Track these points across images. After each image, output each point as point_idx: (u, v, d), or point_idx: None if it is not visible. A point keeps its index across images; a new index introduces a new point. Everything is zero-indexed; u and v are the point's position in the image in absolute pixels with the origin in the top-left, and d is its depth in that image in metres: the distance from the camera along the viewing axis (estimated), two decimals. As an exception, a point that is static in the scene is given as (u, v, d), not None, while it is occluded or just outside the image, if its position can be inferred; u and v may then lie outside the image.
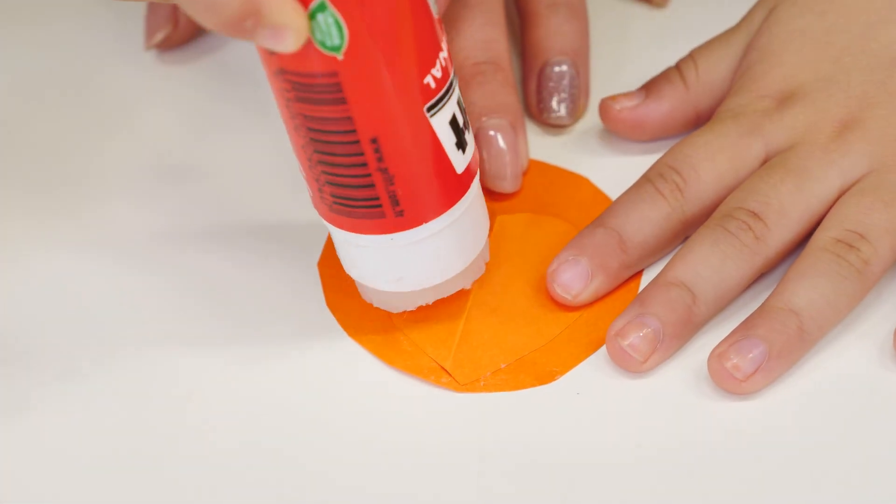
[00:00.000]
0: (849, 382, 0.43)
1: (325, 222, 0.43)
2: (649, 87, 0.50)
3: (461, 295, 0.45)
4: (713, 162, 0.46)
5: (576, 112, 0.51)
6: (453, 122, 0.42)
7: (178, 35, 0.55)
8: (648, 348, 0.43)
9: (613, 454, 0.42)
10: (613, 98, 0.50)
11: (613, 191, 0.49)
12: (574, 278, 0.45)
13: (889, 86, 0.47)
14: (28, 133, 0.54)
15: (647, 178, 0.47)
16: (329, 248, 0.48)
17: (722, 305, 0.45)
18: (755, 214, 0.45)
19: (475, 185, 0.43)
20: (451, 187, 0.42)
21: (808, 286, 0.43)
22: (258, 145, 0.52)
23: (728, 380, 0.42)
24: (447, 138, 0.41)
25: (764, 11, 0.49)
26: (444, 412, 0.44)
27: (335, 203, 0.42)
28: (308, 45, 0.38)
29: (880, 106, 0.46)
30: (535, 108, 0.51)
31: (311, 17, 0.38)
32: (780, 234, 0.45)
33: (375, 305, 0.45)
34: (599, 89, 0.52)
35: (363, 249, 0.43)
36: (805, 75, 0.47)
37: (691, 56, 0.50)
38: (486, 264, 0.46)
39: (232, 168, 0.52)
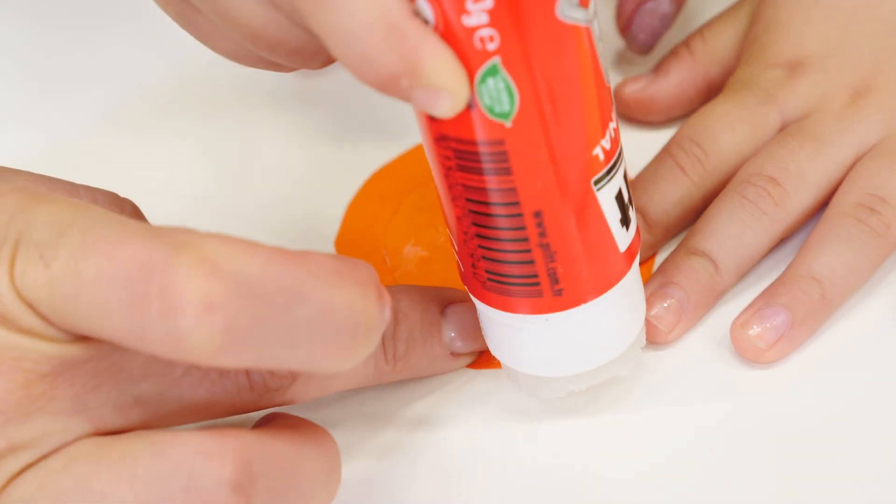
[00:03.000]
0: (868, 348, 0.43)
1: (477, 302, 0.41)
2: (658, 66, 0.51)
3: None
4: (733, 132, 0.46)
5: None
6: (619, 197, 0.39)
7: None
8: (674, 319, 0.44)
9: (632, 427, 0.42)
10: (624, 83, 0.50)
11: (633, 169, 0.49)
12: None
13: None
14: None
15: (667, 152, 0.47)
16: (345, 228, 0.48)
17: (743, 272, 0.45)
18: (774, 180, 0.45)
19: (635, 264, 0.41)
20: (613, 266, 0.40)
21: (829, 252, 0.43)
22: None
23: (751, 349, 0.43)
24: (612, 214, 0.39)
25: None
26: (461, 390, 0.44)
27: (489, 280, 0.39)
28: (475, 110, 0.36)
29: (891, 71, 0.46)
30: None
31: (482, 81, 0.36)
32: (800, 199, 0.45)
33: (521, 390, 0.43)
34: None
35: (515, 331, 0.40)
36: (814, 44, 0.47)
37: (698, 30, 0.51)
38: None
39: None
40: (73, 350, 0.36)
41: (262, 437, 0.36)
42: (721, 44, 0.50)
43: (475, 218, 0.38)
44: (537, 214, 0.38)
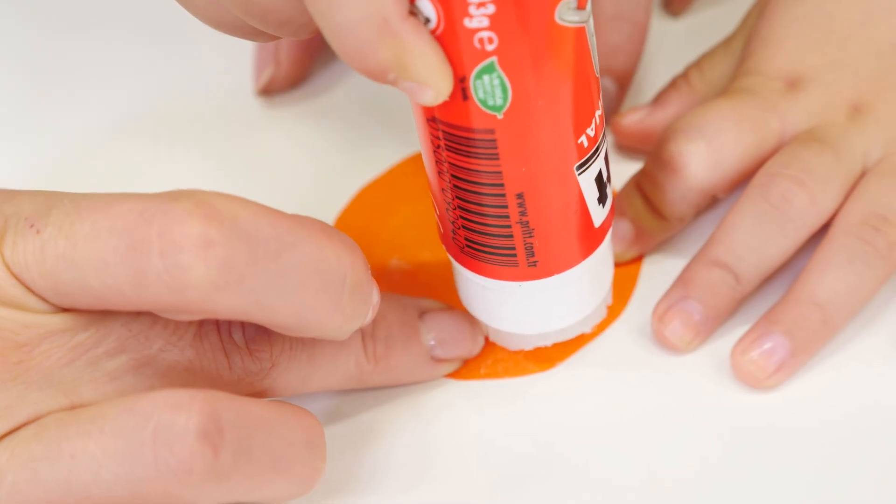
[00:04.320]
0: (868, 372, 0.43)
1: (453, 261, 0.42)
2: (657, 98, 0.50)
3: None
4: (738, 131, 0.45)
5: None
6: (598, 178, 0.40)
7: (283, 74, 0.54)
8: (690, 334, 0.44)
9: (616, 438, 0.42)
10: (622, 114, 0.50)
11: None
12: None
13: None
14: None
15: (666, 146, 0.46)
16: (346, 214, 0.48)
17: (764, 279, 0.44)
18: (801, 181, 0.44)
19: (608, 236, 0.42)
20: (588, 240, 0.41)
21: (832, 276, 0.43)
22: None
23: (750, 377, 0.43)
24: (591, 194, 0.40)
25: (756, 10, 0.49)
26: (444, 400, 0.44)
27: (468, 247, 0.41)
28: (468, 101, 0.37)
29: (890, 90, 0.46)
30: None
31: (477, 76, 0.37)
32: (825, 204, 0.44)
33: (491, 340, 0.44)
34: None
35: (488, 291, 0.42)
36: (813, 59, 0.47)
37: (696, 62, 0.50)
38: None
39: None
40: (52, 321, 0.37)
41: (234, 396, 0.37)
42: (718, 75, 0.49)
43: (459, 192, 0.40)
44: (519, 196, 0.39)
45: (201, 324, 0.39)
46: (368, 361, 0.42)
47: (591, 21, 0.38)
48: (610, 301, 0.45)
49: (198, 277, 0.35)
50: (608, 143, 0.50)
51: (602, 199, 0.41)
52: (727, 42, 0.50)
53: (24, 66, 0.57)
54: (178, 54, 0.56)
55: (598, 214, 0.41)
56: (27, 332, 0.37)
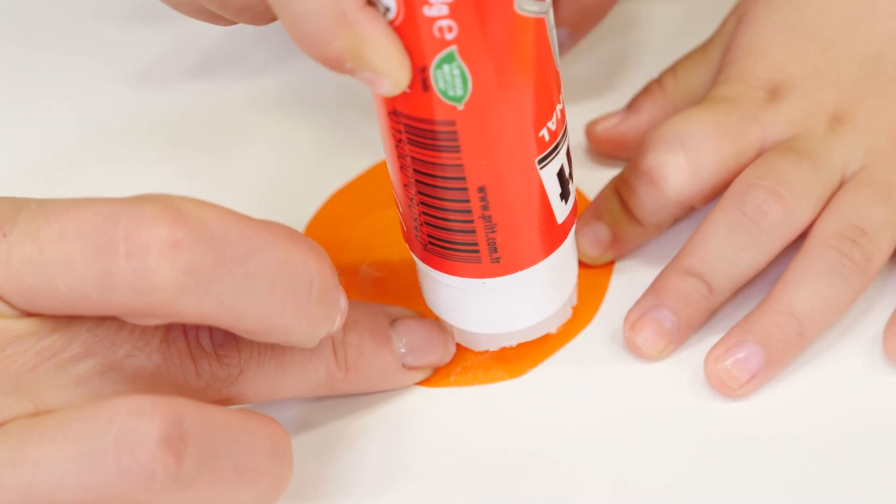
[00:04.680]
0: (839, 381, 0.43)
1: (417, 259, 0.42)
2: (630, 104, 0.50)
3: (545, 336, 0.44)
4: (718, 142, 0.45)
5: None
6: (560, 173, 0.41)
7: None
8: (662, 343, 0.44)
9: (588, 445, 0.42)
10: (596, 120, 0.50)
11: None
12: None
13: (879, 79, 0.46)
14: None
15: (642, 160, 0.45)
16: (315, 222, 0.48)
17: (737, 289, 0.44)
18: (777, 193, 0.43)
19: (571, 233, 0.42)
20: (550, 237, 0.41)
21: (809, 288, 0.43)
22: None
23: (723, 386, 0.43)
24: (553, 189, 0.40)
25: (734, 18, 0.49)
26: (415, 407, 0.44)
27: (430, 244, 0.41)
28: (429, 92, 0.37)
29: (870, 99, 0.46)
30: None
31: (437, 66, 0.37)
32: (801, 215, 0.44)
33: (456, 341, 0.44)
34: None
35: (452, 290, 0.42)
36: (794, 66, 0.46)
37: (670, 67, 0.50)
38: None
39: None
40: (17, 325, 0.37)
41: (198, 404, 0.36)
42: (693, 80, 0.49)
43: (421, 188, 0.40)
44: (481, 189, 0.39)
45: (168, 329, 0.39)
46: (339, 369, 0.42)
47: (552, 13, 0.38)
48: (575, 301, 0.45)
49: (164, 279, 0.35)
50: (582, 147, 0.51)
51: (564, 196, 0.41)
52: (703, 48, 0.50)
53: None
54: (145, 61, 0.57)
55: (561, 211, 0.41)
56: None
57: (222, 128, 0.54)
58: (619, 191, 0.46)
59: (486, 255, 0.41)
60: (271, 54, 0.56)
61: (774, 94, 0.46)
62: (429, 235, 0.41)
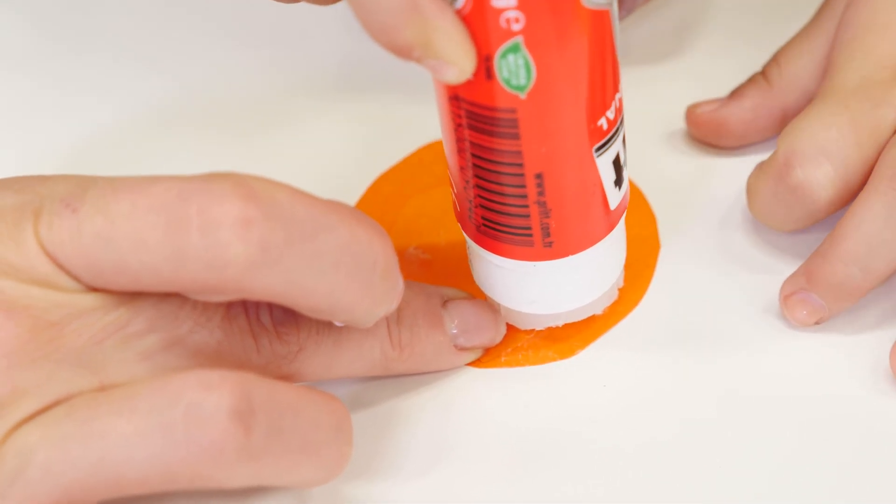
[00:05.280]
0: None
1: (469, 240, 0.43)
2: (733, 91, 0.49)
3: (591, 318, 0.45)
4: (859, 144, 0.44)
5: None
6: (615, 161, 0.41)
7: None
8: (812, 321, 0.44)
9: (637, 425, 0.43)
10: (697, 104, 0.50)
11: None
12: None
13: None
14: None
15: (774, 167, 0.45)
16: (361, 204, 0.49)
17: (894, 273, 0.44)
18: None
19: (622, 219, 0.43)
20: (603, 223, 0.42)
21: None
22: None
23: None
24: (608, 177, 0.41)
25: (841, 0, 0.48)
26: (465, 388, 0.44)
27: (484, 225, 0.41)
28: (492, 80, 0.37)
29: None
30: None
31: (502, 56, 0.37)
32: None
33: (503, 318, 0.45)
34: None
35: (502, 270, 0.43)
36: None
37: (773, 57, 0.49)
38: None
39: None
40: (83, 300, 0.37)
41: (264, 378, 0.37)
42: (797, 69, 0.48)
43: (478, 171, 0.40)
44: (538, 176, 0.39)
45: (229, 306, 0.39)
46: (394, 349, 0.42)
47: (615, 5, 0.38)
48: (622, 283, 0.45)
49: (236, 255, 0.35)
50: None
51: (618, 182, 0.41)
52: (805, 35, 0.49)
53: (31, 62, 0.57)
54: (200, 48, 0.56)
55: (615, 197, 0.41)
56: (58, 311, 0.37)
57: (268, 112, 0.54)
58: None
59: (539, 240, 0.41)
60: (320, 37, 0.56)
61: None
62: (483, 217, 0.41)
